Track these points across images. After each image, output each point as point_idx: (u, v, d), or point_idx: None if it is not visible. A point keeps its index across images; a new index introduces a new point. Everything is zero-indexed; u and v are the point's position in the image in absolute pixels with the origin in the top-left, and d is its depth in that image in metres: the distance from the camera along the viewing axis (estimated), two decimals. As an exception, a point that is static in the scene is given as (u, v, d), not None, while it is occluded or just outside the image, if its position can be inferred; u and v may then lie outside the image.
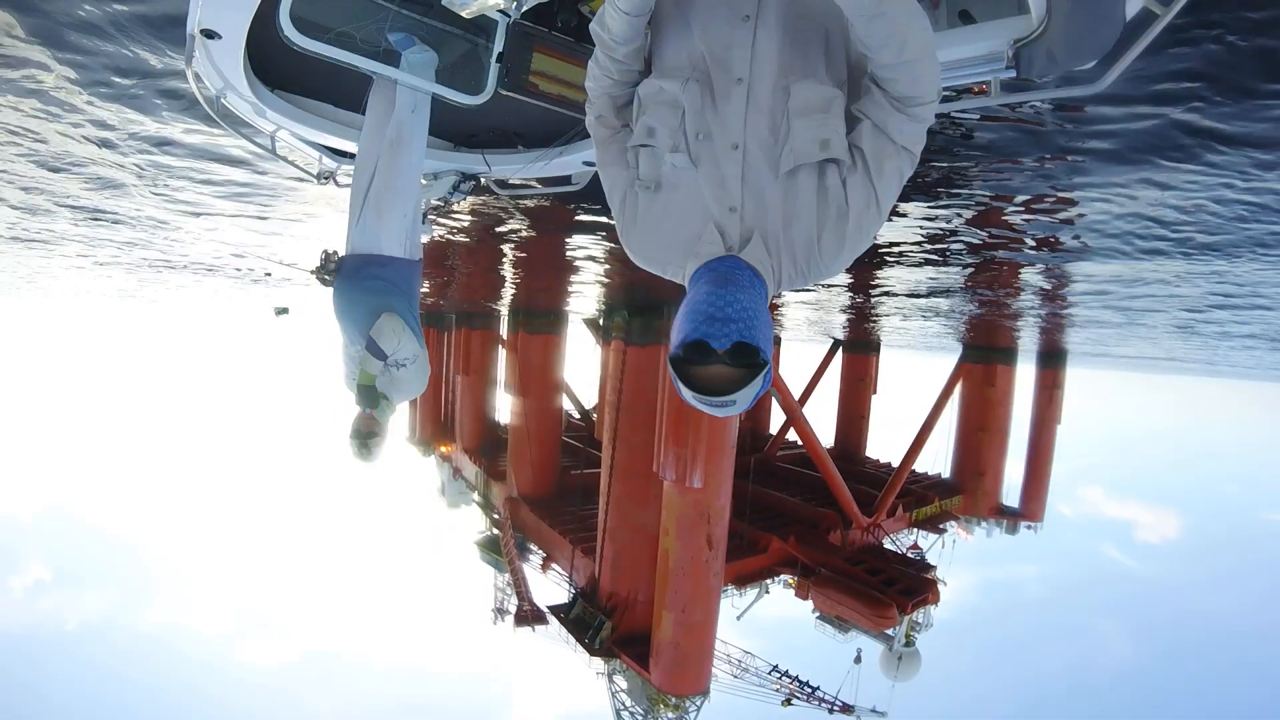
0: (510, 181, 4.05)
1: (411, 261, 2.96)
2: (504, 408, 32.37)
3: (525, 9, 2.24)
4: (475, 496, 33.39)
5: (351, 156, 3.50)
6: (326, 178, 3.86)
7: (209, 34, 2.31)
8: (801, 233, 1.43)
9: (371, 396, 2.81)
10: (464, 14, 2.19)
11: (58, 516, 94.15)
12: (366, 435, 2.81)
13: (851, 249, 1.45)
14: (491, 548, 29.20)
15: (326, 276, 2.98)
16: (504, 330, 32.25)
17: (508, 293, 22.13)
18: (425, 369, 2.92)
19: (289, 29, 2.21)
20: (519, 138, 3.62)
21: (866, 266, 11.96)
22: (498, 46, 2.58)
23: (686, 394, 1.33)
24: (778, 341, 36.78)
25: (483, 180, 3.84)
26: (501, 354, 32.97)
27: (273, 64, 2.83)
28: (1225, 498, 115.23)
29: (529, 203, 8.92)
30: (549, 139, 3.49)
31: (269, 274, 18.57)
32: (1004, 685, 75.19)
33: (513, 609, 26.93)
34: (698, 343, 1.28)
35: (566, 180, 3.93)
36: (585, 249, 12.04)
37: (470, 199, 8.39)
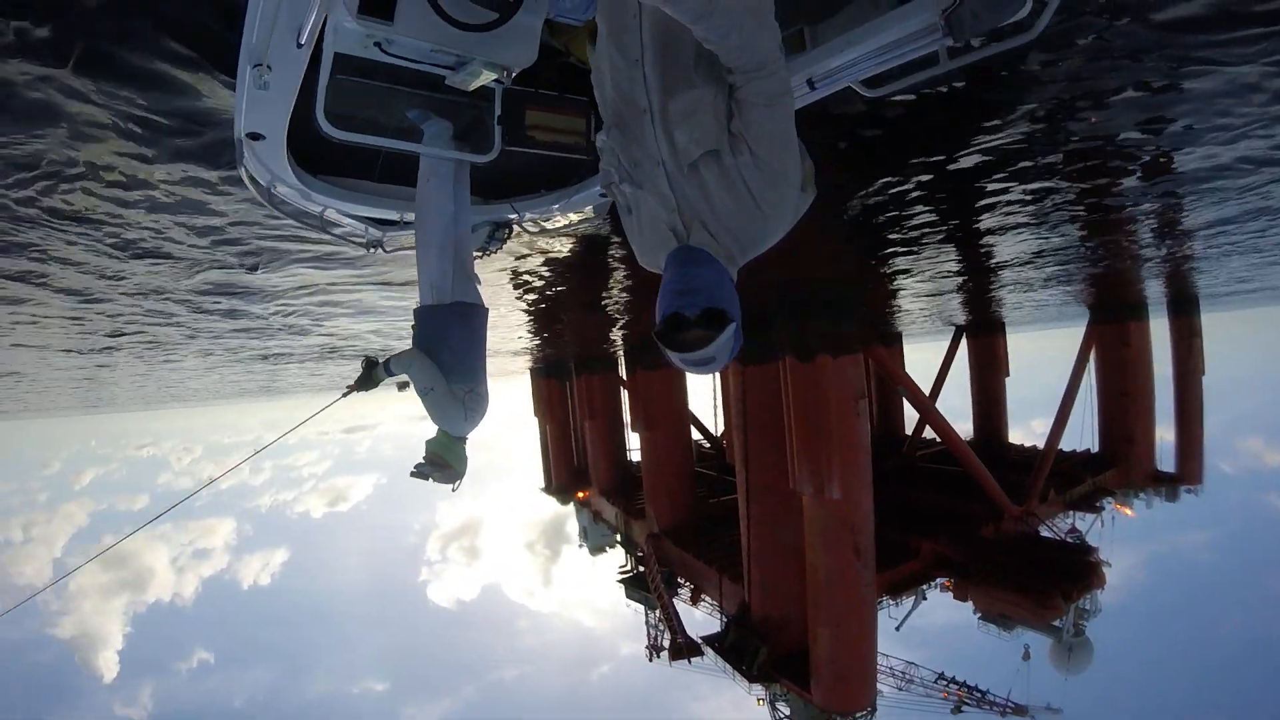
0: (540, 222, 4.39)
1: (438, 306, 3.33)
2: (634, 446, 32.70)
3: (514, 75, 2.59)
4: (617, 537, 33.77)
5: (394, 224, 4.06)
6: (374, 245, 4.26)
7: (254, 136, 2.74)
8: (725, 210, 1.68)
9: (366, 383, 3.40)
10: (466, 89, 2.61)
11: (214, 598, 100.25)
12: (430, 464, 3.30)
13: (773, 206, 1.69)
14: (639, 585, 29.39)
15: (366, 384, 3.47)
16: (623, 371, 32.78)
17: (619, 334, 22.53)
18: (447, 403, 3.21)
19: (325, 124, 2.52)
20: (540, 182, 4.00)
21: (970, 240, 11.64)
22: (498, 110, 2.96)
23: (675, 359, 1.61)
24: (898, 338, 35.92)
25: (516, 226, 4.20)
26: (624, 394, 33.45)
27: (314, 152, 3.27)
28: None
29: (617, 239, 9.17)
30: (567, 180, 3.89)
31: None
32: (1184, 664, 69.45)
33: (667, 643, 26.94)
34: (672, 315, 1.58)
35: (589, 214, 4.35)
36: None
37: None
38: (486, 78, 2.50)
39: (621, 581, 31.08)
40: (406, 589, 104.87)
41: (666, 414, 28.94)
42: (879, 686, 20.04)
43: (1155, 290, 24.67)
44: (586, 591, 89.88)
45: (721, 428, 37.63)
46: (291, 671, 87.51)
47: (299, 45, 2.17)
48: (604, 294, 13.87)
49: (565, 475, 39.28)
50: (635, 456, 33.08)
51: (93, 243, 6.67)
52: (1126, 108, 5.81)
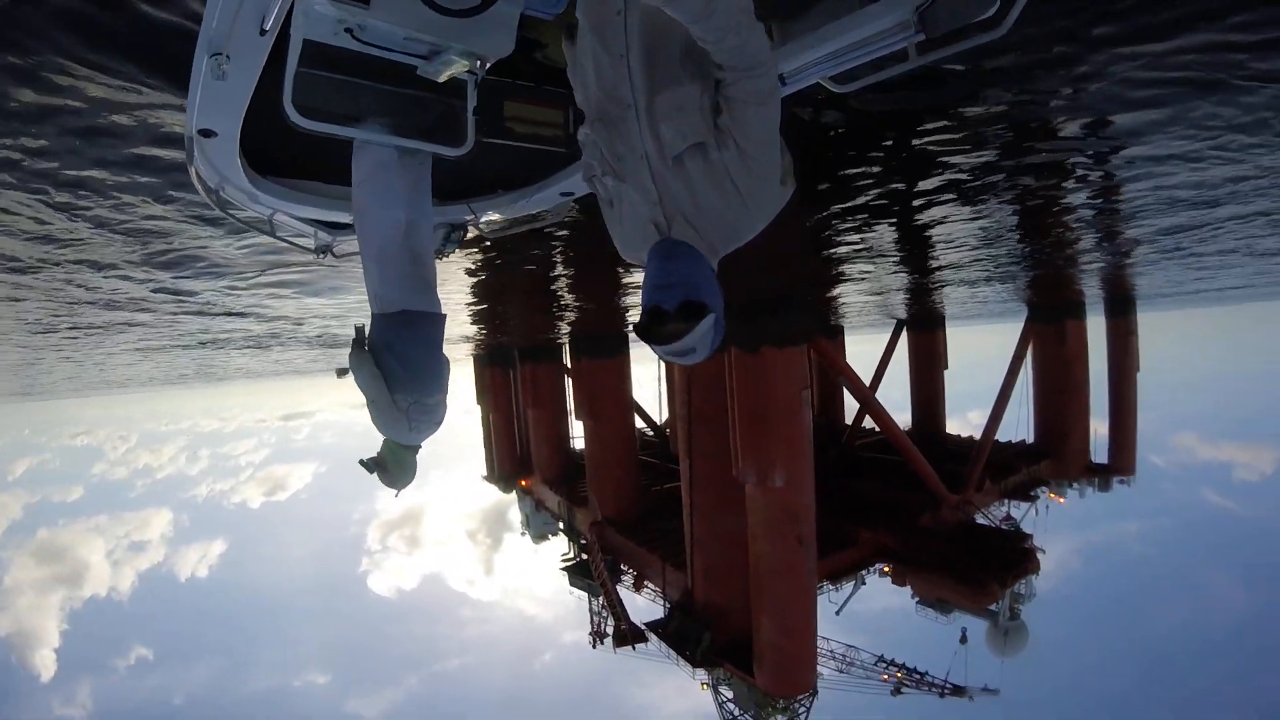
0: (497, 223, 4.22)
1: (380, 315, 3.17)
2: (578, 435, 32.70)
3: (489, 66, 2.50)
4: (560, 525, 33.76)
5: (347, 228, 3.81)
6: (324, 251, 4.07)
7: (206, 133, 2.59)
8: (708, 203, 1.72)
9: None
10: (438, 80, 2.48)
11: (152, 592, 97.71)
12: (377, 464, 3.21)
13: (755, 200, 1.74)
14: (582, 573, 29.42)
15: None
16: (567, 359, 32.71)
17: (566, 323, 22.48)
18: (390, 414, 3.10)
19: (293, 113, 2.41)
20: (499, 182, 3.86)
21: (916, 242, 11.90)
22: (472, 102, 2.84)
23: (657, 351, 1.66)
24: (840, 331, 36.47)
25: (470, 227, 4.03)
26: (569, 383, 33.42)
27: (264, 152, 3.08)
28: None
29: (564, 233, 9.15)
30: (527, 180, 3.77)
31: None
32: (1117, 649, 71.63)
33: (611, 630, 27.10)
34: (652, 309, 1.62)
35: (547, 214, 4.22)
36: (630, 267, 12.24)
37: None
38: (461, 68, 2.42)
39: (565, 569, 31.05)
40: (347, 580, 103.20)
41: (611, 403, 28.94)
42: (820, 670, 20.44)
43: (1093, 290, 25.41)
44: (529, 580, 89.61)
45: (665, 417, 37.83)
46: (232, 667, 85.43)
47: (262, 32, 2.03)
48: (550, 284, 13.82)
49: (508, 463, 39.04)
50: (579, 445, 33.02)
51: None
52: (1071, 117, 6.03)
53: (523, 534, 38.61)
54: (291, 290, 11.83)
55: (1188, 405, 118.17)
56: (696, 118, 1.67)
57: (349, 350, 3.22)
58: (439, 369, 3.24)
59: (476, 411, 43.09)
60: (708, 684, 21.93)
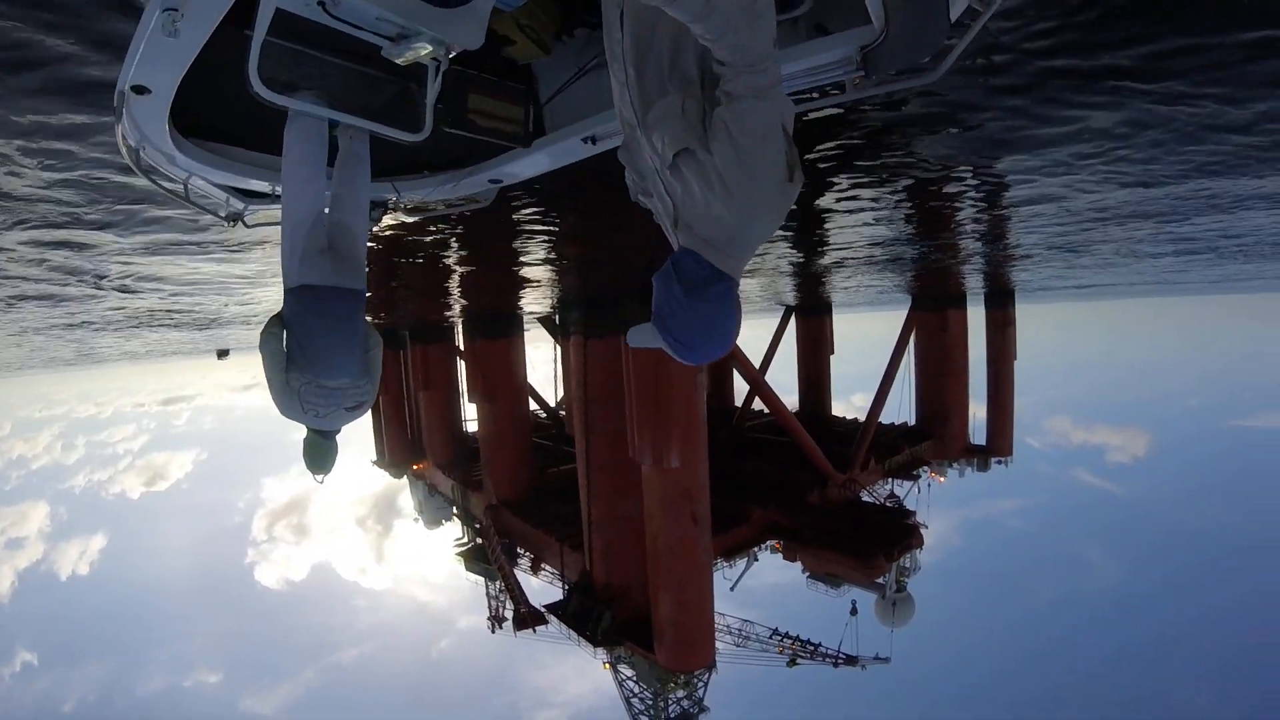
0: (419, 205, 4.11)
1: (287, 290, 3.05)
2: (472, 418, 32.30)
3: (453, 55, 2.48)
4: (454, 510, 33.33)
5: (261, 196, 3.63)
6: (235, 219, 3.89)
7: (139, 89, 2.44)
8: (703, 204, 1.72)
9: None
10: (399, 62, 2.41)
11: (32, 592, 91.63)
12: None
13: (747, 194, 1.70)
14: (478, 558, 29.17)
15: None
16: (460, 341, 32.19)
17: (459, 303, 22.09)
18: (282, 395, 3.02)
19: (258, 85, 2.33)
20: (426, 164, 3.79)
21: (808, 229, 12.25)
22: (434, 89, 2.76)
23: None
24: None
25: (391, 205, 3.93)
26: (461, 365, 32.90)
27: (184, 113, 2.91)
28: (1190, 411, 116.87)
29: (466, 214, 8.98)
30: (456, 163, 3.72)
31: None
32: (999, 619, 76.65)
33: (510, 614, 27.00)
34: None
35: (474, 198, 4.16)
36: (530, 251, 12.15)
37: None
38: (425, 54, 2.36)
39: (460, 555, 30.75)
40: (233, 571, 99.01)
41: (505, 385, 28.64)
42: (718, 645, 20.83)
43: (975, 282, 26.49)
44: (422, 566, 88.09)
45: (559, 398, 37.91)
46: (121, 668, 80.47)
47: None
48: (440, 264, 13.53)
49: (399, 448, 38.23)
50: (473, 428, 32.65)
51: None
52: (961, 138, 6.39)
53: (416, 520, 38.00)
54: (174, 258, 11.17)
55: (1062, 391, 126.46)
56: (679, 124, 1.72)
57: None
58: (347, 350, 3.09)
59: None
60: (609, 663, 22.16)
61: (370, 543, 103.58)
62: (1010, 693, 67.42)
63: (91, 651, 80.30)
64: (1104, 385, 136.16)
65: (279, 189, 3.34)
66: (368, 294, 3.21)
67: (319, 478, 3.26)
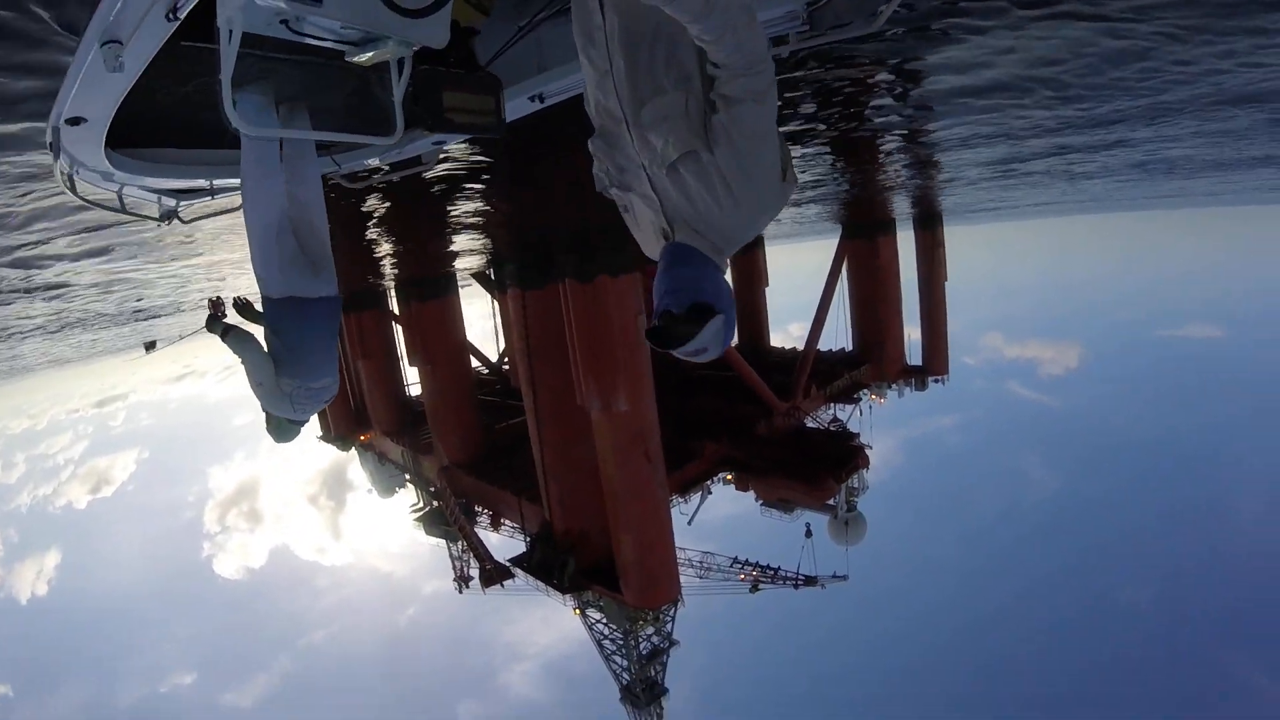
0: (359, 174, 4.11)
1: (266, 300, 3.11)
2: (414, 381, 32.06)
3: (415, 49, 2.37)
4: (406, 476, 33.17)
5: (191, 193, 3.59)
6: (169, 217, 3.80)
7: (74, 121, 2.40)
8: (705, 208, 1.73)
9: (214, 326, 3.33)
10: (363, 63, 2.30)
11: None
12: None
13: (749, 201, 1.74)
14: (437, 521, 29.20)
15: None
16: (394, 305, 31.70)
17: (390, 267, 21.71)
18: (275, 398, 3.16)
19: (236, 119, 2.16)
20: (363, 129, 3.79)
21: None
22: (401, 87, 2.64)
23: (676, 353, 1.68)
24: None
25: (331, 179, 3.88)
26: (398, 329, 32.46)
27: (114, 124, 2.86)
28: (1120, 323, 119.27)
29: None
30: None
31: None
32: (947, 531, 79.36)
33: (476, 573, 27.15)
34: (664, 313, 1.64)
35: (417, 161, 4.09)
36: (458, 206, 11.98)
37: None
38: (391, 55, 2.26)
39: (418, 520, 30.73)
40: (192, 568, 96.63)
41: (444, 346, 28.46)
42: (681, 579, 21.28)
43: (903, 207, 27.02)
44: (380, 537, 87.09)
45: (500, 354, 37.81)
46: (97, 685, 78.42)
47: (171, 17, 1.86)
48: (367, 229, 13.29)
49: (344, 420, 37.68)
50: (416, 392, 32.40)
51: None
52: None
53: (369, 491, 37.73)
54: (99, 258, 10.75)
55: (995, 310, 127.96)
56: (683, 125, 1.69)
57: (217, 328, 3.23)
58: (328, 353, 3.22)
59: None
60: (578, 609, 22.48)
61: (326, 520, 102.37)
62: (964, 605, 69.62)
63: (66, 672, 78.02)
64: (1035, 302, 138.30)
65: (216, 182, 3.41)
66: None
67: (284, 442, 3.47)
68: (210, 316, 3.37)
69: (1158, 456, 79.44)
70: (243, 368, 3.17)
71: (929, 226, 33.86)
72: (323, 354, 3.21)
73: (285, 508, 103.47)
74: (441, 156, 7.21)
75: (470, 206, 11.96)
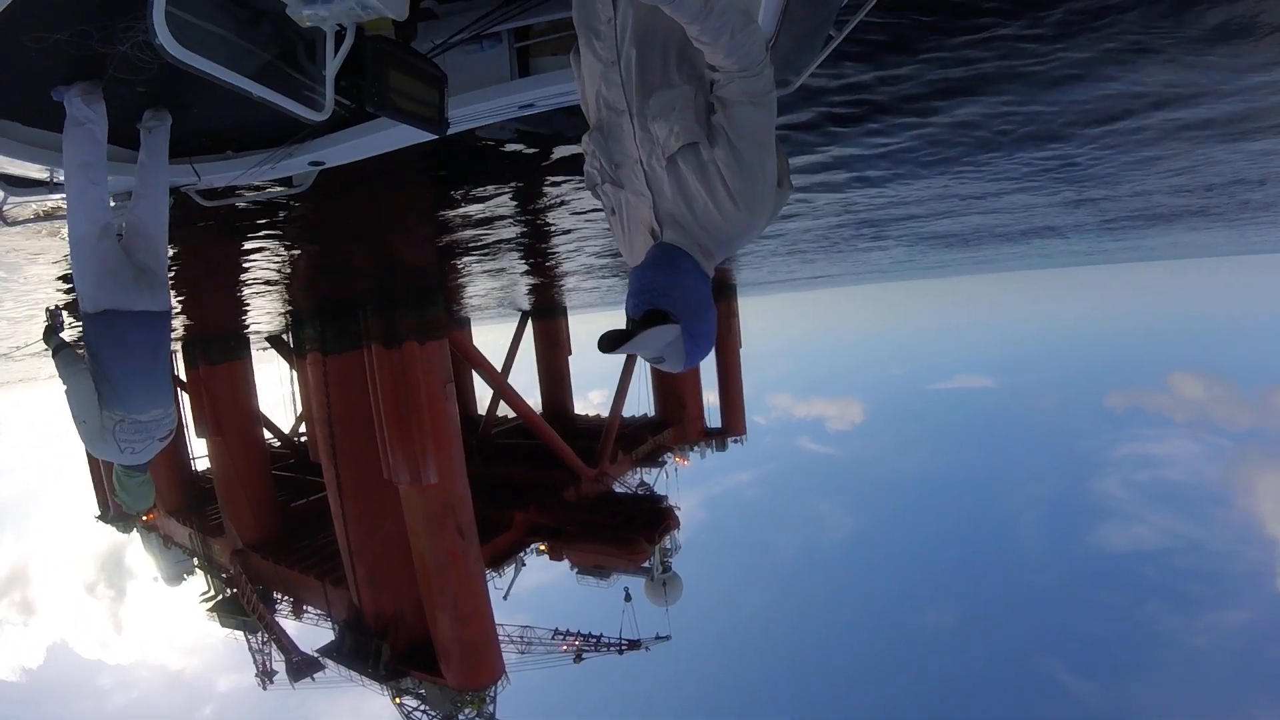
0: (220, 190, 3.66)
1: (84, 316, 2.76)
2: (201, 454, 29.72)
3: (364, 21, 2.21)
4: (195, 561, 30.37)
5: (35, 184, 3.11)
6: None
7: None
8: (701, 206, 1.72)
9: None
10: (302, 21, 2.06)
11: None
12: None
13: (748, 202, 1.70)
14: (232, 610, 26.79)
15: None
16: (180, 368, 29.09)
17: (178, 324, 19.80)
18: (96, 436, 2.82)
19: (167, 40, 1.87)
20: (232, 142, 3.34)
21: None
22: (336, 61, 2.38)
23: (648, 359, 1.69)
24: (467, 322, 36.88)
25: (185, 191, 3.45)
26: (184, 395, 29.75)
27: None
28: (893, 379, 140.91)
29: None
30: (266, 142, 3.27)
31: None
32: (757, 577, 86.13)
33: (281, 666, 25.05)
34: (628, 317, 1.62)
35: (289, 182, 3.83)
36: (252, 259, 10.96)
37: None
38: (344, 18, 2.06)
39: (211, 610, 28.05)
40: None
41: (235, 414, 26.41)
42: (503, 655, 20.72)
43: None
44: (168, 629, 78.82)
45: (293, 424, 36.44)
46: None
47: None
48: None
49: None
50: (203, 465, 30.01)
51: None
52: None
53: (155, 578, 34.06)
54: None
55: (783, 371, 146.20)
56: (689, 116, 1.68)
57: (52, 342, 2.88)
58: (155, 378, 2.90)
59: (75, 439, 36.76)
60: (397, 698, 21.17)
61: (106, 611, 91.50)
62: (787, 647, 75.16)
63: None
64: (819, 363, 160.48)
65: (59, 176, 2.87)
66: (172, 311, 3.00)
67: (139, 513, 3.06)
68: (48, 328, 3.04)
69: (929, 489, 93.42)
70: (66, 400, 2.80)
71: (725, 297, 35.92)
72: (151, 379, 2.87)
73: (61, 596, 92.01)
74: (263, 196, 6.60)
75: (269, 252, 10.85)
